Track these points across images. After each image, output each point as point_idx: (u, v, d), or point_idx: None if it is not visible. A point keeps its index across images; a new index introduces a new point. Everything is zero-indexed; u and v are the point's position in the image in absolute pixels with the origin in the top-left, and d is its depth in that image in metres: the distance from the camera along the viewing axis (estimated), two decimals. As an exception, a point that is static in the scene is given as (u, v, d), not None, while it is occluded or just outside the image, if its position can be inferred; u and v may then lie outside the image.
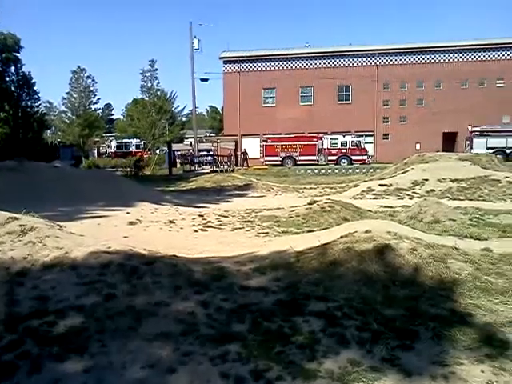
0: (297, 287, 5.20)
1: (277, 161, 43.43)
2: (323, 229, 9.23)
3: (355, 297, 4.87)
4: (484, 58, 48.89)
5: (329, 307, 4.70)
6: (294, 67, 51.08)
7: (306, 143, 43.71)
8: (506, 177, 18.57)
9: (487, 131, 41.96)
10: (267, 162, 43.28)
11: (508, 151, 41.08)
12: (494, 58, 48.72)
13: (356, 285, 5.09)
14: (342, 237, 6.17)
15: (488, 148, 39.41)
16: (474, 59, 49.01)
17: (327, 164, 41.95)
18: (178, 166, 38.83)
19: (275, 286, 5.24)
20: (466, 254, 5.96)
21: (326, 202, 12.12)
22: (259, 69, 51.57)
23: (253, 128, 48.79)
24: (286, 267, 5.76)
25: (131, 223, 10.80)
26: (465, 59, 49.05)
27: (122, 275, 5.19)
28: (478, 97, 46.92)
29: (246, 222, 11.56)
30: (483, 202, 15.52)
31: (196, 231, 10.34)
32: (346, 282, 5.16)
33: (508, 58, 48.45)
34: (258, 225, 10.98)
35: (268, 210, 13.69)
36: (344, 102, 50.47)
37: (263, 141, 45.16)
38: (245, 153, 43.23)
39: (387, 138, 49.56)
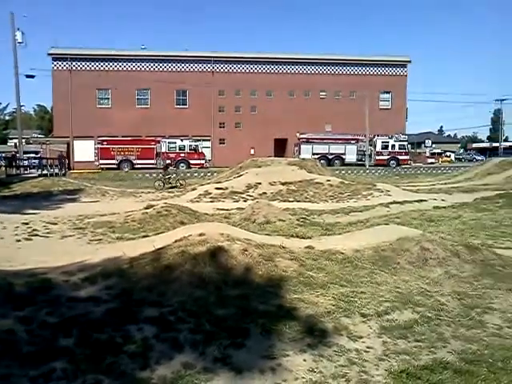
0: (130, 294, 5.06)
1: (113, 164, 41.86)
2: (159, 233, 9.15)
3: (189, 300, 4.92)
4: (308, 72, 53.41)
5: (162, 312, 4.67)
6: (130, 69, 49.84)
7: (143, 146, 42.89)
8: (328, 180, 20.46)
9: (312, 138, 45.86)
10: (103, 166, 41.50)
11: (330, 157, 45.38)
12: (316, 72, 53.51)
13: (190, 288, 5.14)
14: (176, 241, 6.18)
15: (313, 154, 43.09)
16: (300, 72, 53.25)
17: (166, 168, 41.74)
18: (2, 169, 35.08)
19: (106, 295, 5.04)
20: (292, 252, 6.41)
21: (162, 207, 12.03)
22: (93, 68, 49.22)
23: (87, 130, 46.36)
24: (119, 274, 5.57)
25: None
26: (292, 71, 53.04)
27: None
28: (305, 106, 51.06)
29: (77, 228, 10.91)
30: (309, 204, 16.88)
31: (19, 241, 9.44)
32: (180, 286, 5.18)
33: (329, 72, 53.62)
34: (91, 231, 10.45)
35: (102, 215, 13.09)
36: (181, 106, 50.76)
37: (98, 143, 43.14)
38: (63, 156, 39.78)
39: (223, 143, 51.11)
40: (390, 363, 4.05)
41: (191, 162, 43.00)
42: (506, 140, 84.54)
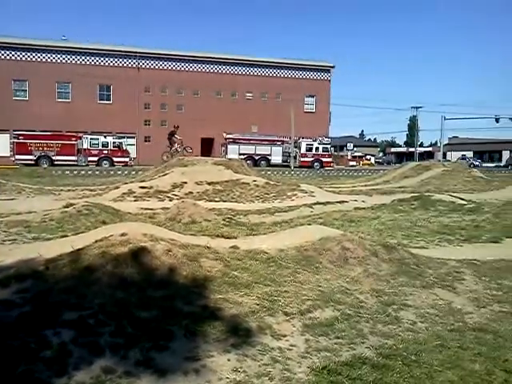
0: (46, 297, 4.81)
1: (30, 160, 39.77)
2: (79, 233, 8.76)
3: (110, 302, 4.75)
4: (235, 72, 53.73)
5: (82, 315, 4.48)
6: (49, 60, 47.62)
7: (64, 142, 41.13)
8: (254, 180, 20.57)
9: (239, 139, 46.18)
10: (19, 162, 39.30)
11: (256, 157, 45.93)
12: (243, 73, 53.97)
13: (111, 289, 4.97)
14: (97, 241, 5.95)
15: (240, 154, 43.35)
16: (227, 72, 53.45)
17: (87, 165, 40.26)
18: None
19: (20, 298, 4.75)
20: (217, 252, 6.38)
21: (83, 205, 11.55)
22: (8, 57, 46.54)
23: (1, 123, 43.74)
24: (34, 276, 5.27)
25: None
26: (219, 71, 53.14)
27: None
28: (231, 107, 51.33)
29: (-12, 228, 10.21)
30: (235, 204, 16.90)
31: None
32: (100, 288, 5.00)
33: (255, 73, 54.29)
34: (4, 231, 9.81)
35: (17, 214, 12.36)
36: (105, 101, 49.25)
37: (14, 137, 40.81)
38: None
39: (149, 141, 50.06)
40: (312, 360, 4.15)
41: (115, 159, 41.85)
42: (421, 145, 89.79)
